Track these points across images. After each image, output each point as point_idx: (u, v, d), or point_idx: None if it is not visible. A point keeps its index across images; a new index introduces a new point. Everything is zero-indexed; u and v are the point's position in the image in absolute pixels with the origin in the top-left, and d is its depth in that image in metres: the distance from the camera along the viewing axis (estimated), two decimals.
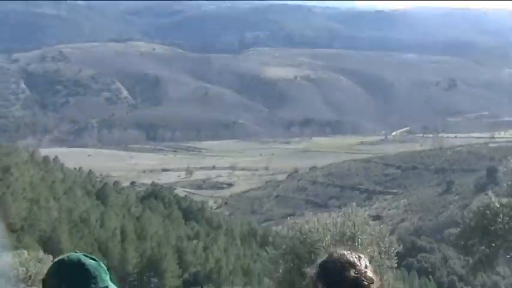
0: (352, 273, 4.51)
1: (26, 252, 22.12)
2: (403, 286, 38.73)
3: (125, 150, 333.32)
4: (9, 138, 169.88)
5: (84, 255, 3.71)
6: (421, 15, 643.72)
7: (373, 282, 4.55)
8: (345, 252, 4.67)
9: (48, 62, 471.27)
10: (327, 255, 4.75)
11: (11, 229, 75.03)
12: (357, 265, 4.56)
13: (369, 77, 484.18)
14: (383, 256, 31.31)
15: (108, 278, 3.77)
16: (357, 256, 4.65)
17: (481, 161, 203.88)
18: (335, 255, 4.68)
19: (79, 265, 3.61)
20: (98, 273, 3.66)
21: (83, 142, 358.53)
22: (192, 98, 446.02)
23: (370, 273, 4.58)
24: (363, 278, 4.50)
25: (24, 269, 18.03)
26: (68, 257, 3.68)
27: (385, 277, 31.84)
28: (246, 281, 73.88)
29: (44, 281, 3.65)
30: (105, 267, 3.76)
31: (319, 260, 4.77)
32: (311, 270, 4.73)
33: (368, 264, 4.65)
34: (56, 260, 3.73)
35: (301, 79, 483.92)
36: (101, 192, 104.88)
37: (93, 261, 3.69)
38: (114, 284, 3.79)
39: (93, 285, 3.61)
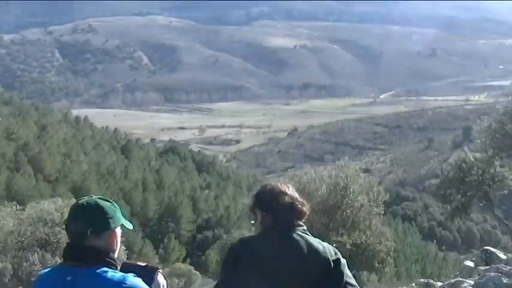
0: (286, 199, 4.57)
1: (60, 199, 22.09)
2: (389, 230, 38.65)
3: (145, 110, 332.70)
4: (45, 101, 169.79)
5: (99, 198, 3.73)
6: None
7: (304, 205, 4.64)
8: (277, 183, 4.78)
9: (78, 33, 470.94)
10: (260, 187, 4.84)
11: (47, 180, 75.26)
12: (288, 193, 4.63)
13: (360, 46, 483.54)
14: (372, 204, 31.28)
15: (122, 216, 3.76)
16: (286, 186, 4.72)
17: (457, 121, 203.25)
18: (268, 186, 4.77)
19: (96, 207, 3.62)
20: (114, 213, 3.66)
21: (109, 104, 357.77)
22: (204, 64, 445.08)
23: (300, 199, 4.66)
24: (296, 202, 4.58)
25: (59, 214, 17.99)
26: (85, 200, 3.69)
27: (374, 222, 31.90)
28: (251, 226, 73.99)
29: (66, 224, 3.67)
30: (119, 208, 3.78)
31: (254, 191, 4.85)
32: (249, 201, 4.81)
33: (295, 192, 4.72)
34: (75, 203, 3.73)
35: (300, 48, 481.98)
36: (125, 147, 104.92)
37: (109, 203, 3.70)
38: (128, 220, 3.79)
39: (111, 223, 3.60)
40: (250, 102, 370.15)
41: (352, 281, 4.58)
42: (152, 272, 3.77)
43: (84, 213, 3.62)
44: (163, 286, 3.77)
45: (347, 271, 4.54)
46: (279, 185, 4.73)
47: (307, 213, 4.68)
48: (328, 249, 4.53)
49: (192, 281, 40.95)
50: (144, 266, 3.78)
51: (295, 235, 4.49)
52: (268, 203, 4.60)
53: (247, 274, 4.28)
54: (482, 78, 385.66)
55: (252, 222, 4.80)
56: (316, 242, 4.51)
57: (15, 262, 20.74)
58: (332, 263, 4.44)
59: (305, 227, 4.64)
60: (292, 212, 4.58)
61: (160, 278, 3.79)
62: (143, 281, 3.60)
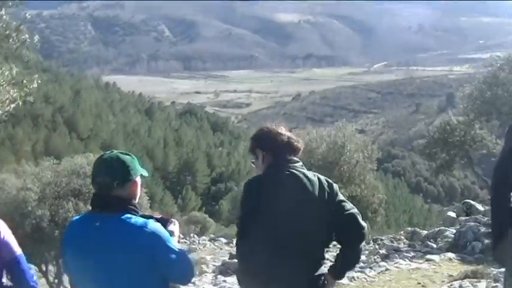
0: (283, 137, 4.60)
1: (91, 155, 22.15)
2: (381, 184, 38.63)
3: (166, 77, 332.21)
4: (79, 69, 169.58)
5: (120, 152, 3.71)
6: None
7: (299, 142, 4.67)
8: (273, 125, 4.76)
9: (109, 9, 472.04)
10: (259, 130, 4.82)
11: (80, 138, 75.47)
12: (284, 132, 4.66)
13: (357, 21, 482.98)
14: (366, 161, 31.32)
15: (140, 167, 3.74)
16: (280, 127, 4.72)
17: (442, 89, 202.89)
18: (265, 128, 4.74)
19: (119, 161, 3.60)
20: (134, 165, 3.64)
21: (135, 71, 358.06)
22: (219, 37, 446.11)
23: (293, 136, 4.68)
24: (292, 139, 4.61)
25: (90, 168, 17.96)
26: (109, 155, 3.67)
27: (367, 177, 31.94)
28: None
29: (92, 177, 3.67)
30: (137, 160, 3.74)
31: (253, 134, 4.85)
32: (249, 143, 4.78)
33: (288, 131, 4.74)
34: (99, 158, 3.72)
35: (304, 23, 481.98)
36: (148, 110, 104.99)
37: (128, 156, 3.67)
38: (143, 168, 3.77)
39: (132, 175, 3.61)
40: (259, 70, 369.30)
41: (345, 199, 4.63)
42: (166, 221, 3.78)
43: (109, 168, 3.60)
44: (173, 232, 3.74)
45: (340, 193, 4.60)
46: (274, 127, 4.72)
47: (302, 148, 4.70)
48: (322, 179, 4.56)
49: (207, 227, 41.25)
50: (160, 217, 3.78)
51: (296, 170, 4.51)
52: (268, 142, 4.60)
53: (269, 205, 4.28)
54: (464, 51, 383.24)
55: (253, 161, 4.76)
56: (312, 175, 4.54)
57: (52, 209, 20.86)
58: (328, 189, 4.50)
59: (301, 163, 4.65)
60: (290, 148, 4.60)
61: (171, 226, 3.79)
62: None
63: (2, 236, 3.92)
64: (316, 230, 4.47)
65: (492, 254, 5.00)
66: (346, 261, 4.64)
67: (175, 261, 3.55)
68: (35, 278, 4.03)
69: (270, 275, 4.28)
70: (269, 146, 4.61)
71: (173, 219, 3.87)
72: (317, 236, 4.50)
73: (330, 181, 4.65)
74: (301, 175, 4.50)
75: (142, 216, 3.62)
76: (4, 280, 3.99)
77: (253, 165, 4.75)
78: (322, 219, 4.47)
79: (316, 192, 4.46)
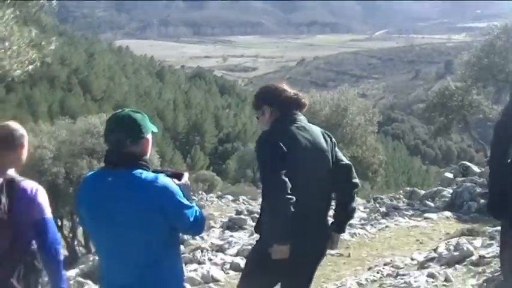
0: (289, 93, 4.58)
1: (105, 115, 22.18)
2: (381, 146, 38.72)
3: (177, 42, 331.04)
4: (93, 33, 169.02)
5: (131, 110, 3.68)
6: None
7: (304, 97, 4.64)
8: (277, 83, 4.74)
9: None
10: (265, 87, 4.80)
11: (94, 99, 75.58)
12: (288, 89, 4.65)
13: None
14: (367, 123, 31.52)
15: (151, 124, 3.73)
16: (284, 85, 4.71)
17: (441, 56, 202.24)
18: (271, 85, 4.73)
19: (131, 119, 3.57)
20: (144, 123, 3.61)
21: (147, 36, 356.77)
22: (227, 3, 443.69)
23: (300, 93, 4.66)
24: (299, 96, 4.60)
25: (103, 127, 17.98)
26: (121, 114, 3.64)
27: (368, 139, 32.09)
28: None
29: (105, 134, 3.67)
30: (148, 118, 3.72)
31: (258, 90, 4.84)
32: (254, 99, 4.75)
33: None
34: (111, 116, 3.69)
35: None
36: (159, 73, 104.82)
37: (139, 114, 3.64)
38: (153, 124, 3.74)
39: (144, 132, 3.60)
40: (265, 36, 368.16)
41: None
42: (178, 176, 3.74)
43: (121, 125, 3.58)
44: (187, 184, 3.72)
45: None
46: (279, 84, 4.70)
47: (307, 104, 4.67)
48: (323, 131, 4.65)
49: (214, 185, 41.40)
50: (171, 173, 3.75)
51: (303, 123, 4.52)
52: (276, 98, 4.55)
53: (294, 159, 4.28)
54: (462, 21, 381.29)
55: (257, 117, 4.70)
56: (315, 128, 4.61)
57: (67, 167, 21.02)
58: (329, 141, 4.59)
59: (304, 117, 4.64)
60: (296, 103, 4.57)
61: (184, 179, 3.75)
62: None
63: (38, 198, 3.94)
64: (327, 176, 4.51)
65: (488, 209, 4.96)
66: (346, 213, 4.67)
67: (185, 214, 3.56)
68: (59, 243, 4.03)
69: (306, 210, 4.32)
70: (277, 101, 4.56)
71: (184, 173, 3.81)
72: (328, 183, 4.54)
73: (329, 134, 4.71)
74: (307, 127, 4.51)
75: (154, 171, 3.63)
76: (34, 245, 4.00)
77: (259, 121, 4.70)
78: (329, 168, 4.53)
79: (323, 143, 4.51)
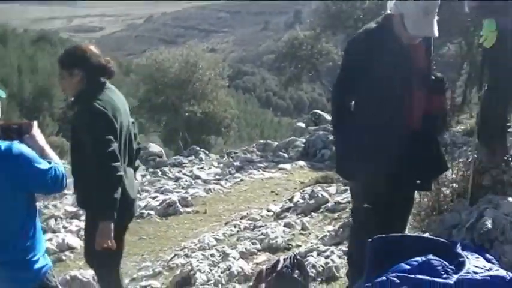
0: (102, 60, 4.53)
1: None
2: (233, 100, 39.16)
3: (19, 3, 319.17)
4: None
5: None
6: None
7: (114, 66, 4.62)
8: (88, 45, 4.64)
9: None
10: (76, 47, 4.65)
11: None
12: (101, 55, 4.56)
13: None
14: (218, 78, 31.82)
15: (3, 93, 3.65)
16: (96, 48, 4.60)
17: (289, 5, 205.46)
18: (85, 47, 4.56)
19: None
20: None
21: None
22: None
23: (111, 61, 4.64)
24: (110, 63, 4.60)
25: None
26: None
27: (219, 93, 32.42)
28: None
29: None
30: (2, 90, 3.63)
31: (70, 48, 4.72)
32: (64, 58, 4.56)
33: None
34: None
35: None
36: (1, 37, 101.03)
37: None
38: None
39: None
40: None
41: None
42: (26, 127, 3.64)
43: None
44: (36, 137, 3.66)
45: None
46: (91, 47, 4.54)
47: (115, 73, 4.60)
48: None
49: (65, 150, 40.69)
50: (17, 126, 3.63)
51: (114, 89, 4.59)
52: (89, 62, 4.38)
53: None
54: None
55: (61, 77, 4.52)
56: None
57: None
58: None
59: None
60: (109, 71, 4.49)
61: (34, 130, 3.67)
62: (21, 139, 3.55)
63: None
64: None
65: (337, 171, 4.92)
66: None
67: (45, 180, 3.46)
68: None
69: None
70: (91, 66, 4.38)
71: (31, 123, 3.73)
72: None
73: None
74: (117, 92, 4.55)
75: (1, 126, 3.55)
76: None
77: (62, 82, 4.49)
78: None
79: (127, 110, 4.63)
